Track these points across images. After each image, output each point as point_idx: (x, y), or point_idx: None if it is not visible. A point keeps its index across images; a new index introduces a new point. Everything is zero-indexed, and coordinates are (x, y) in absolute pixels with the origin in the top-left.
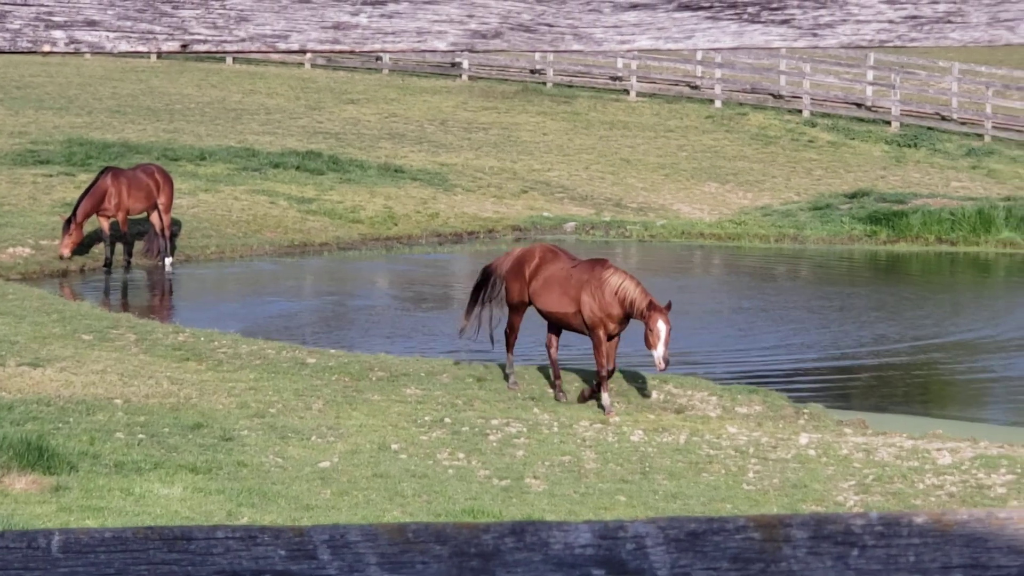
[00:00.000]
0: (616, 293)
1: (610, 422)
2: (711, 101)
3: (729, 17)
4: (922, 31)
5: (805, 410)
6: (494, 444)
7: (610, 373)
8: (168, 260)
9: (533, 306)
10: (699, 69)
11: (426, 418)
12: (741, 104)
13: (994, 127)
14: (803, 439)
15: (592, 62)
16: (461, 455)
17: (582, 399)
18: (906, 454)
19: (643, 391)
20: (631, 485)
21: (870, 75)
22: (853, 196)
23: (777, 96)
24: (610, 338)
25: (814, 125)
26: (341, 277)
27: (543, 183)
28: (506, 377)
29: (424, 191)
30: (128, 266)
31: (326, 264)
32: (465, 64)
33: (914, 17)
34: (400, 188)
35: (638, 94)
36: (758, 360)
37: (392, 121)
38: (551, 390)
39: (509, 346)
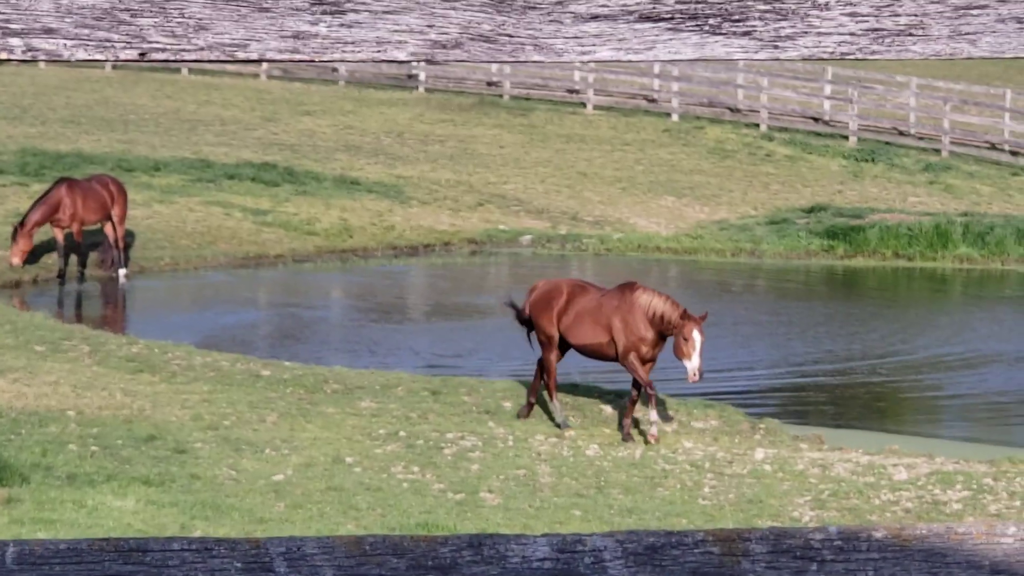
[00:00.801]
0: (646, 313)
1: (649, 442)
2: (668, 115)
3: (690, 29)
4: (883, 44)
5: (761, 425)
6: (449, 458)
7: (634, 403)
8: (122, 271)
9: (566, 341)
10: (656, 82)
11: (381, 431)
12: (698, 118)
13: (952, 142)
14: (759, 454)
15: (549, 75)
16: (416, 469)
17: (626, 435)
18: (862, 470)
19: (598, 404)
20: (586, 499)
21: (828, 89)
22: (810, 211)
23: (734, 110)
24: (646, 362)
25: (771, 139)
26: (296, 289)
27: (499, 196)
28: (558, 425)
29: (380, 203)
30: (82, 277)
31: (281, 276)
32: (422, 76)
33: (876, 30)
34: (356, 200)
35: (595, 107)
36: (714, 375)
37: (348, 133)
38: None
39: (550, 391)
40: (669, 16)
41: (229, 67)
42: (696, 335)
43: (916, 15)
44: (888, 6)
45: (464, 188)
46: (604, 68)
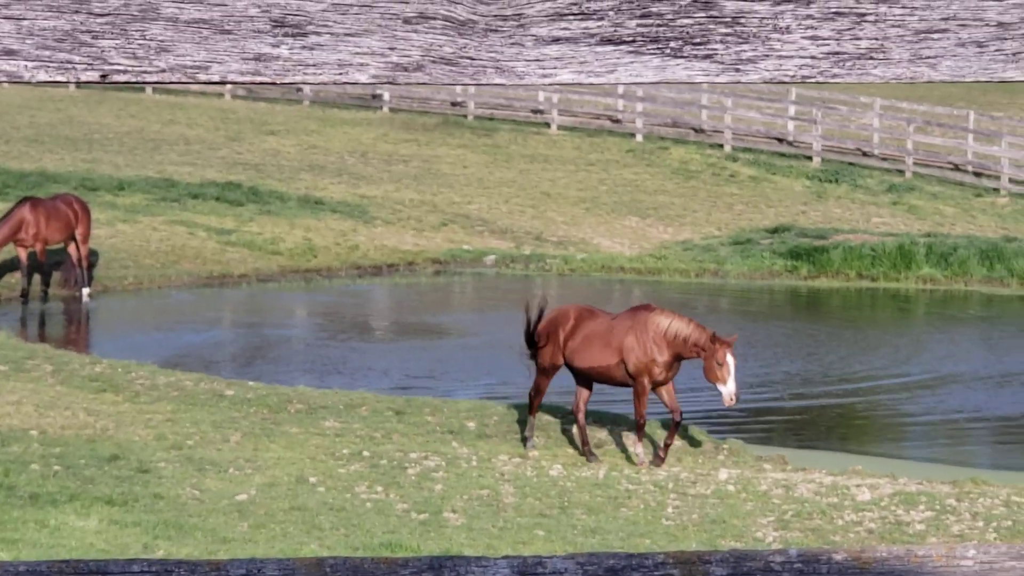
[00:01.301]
0: (665, 335)
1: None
2: (632, 135)
3: (651, 52)
4: (844, 67)
5: (724, 445)
6: (412, 478)
7: (677, 425)
8: (86, 291)
9: (569, 367)
10: (620, 103)
11: (344, 451)
12: (662, 138)
13: (915, 163)
14: (722, 474)
15: (513, 95)
16: (379, 488)
17: (659, 461)
18: (825, 490)
19: (561, 424)
20: (550, 519)
21: (792, 110)
22: (774, 231)
23: (699, 130)
24: (659, 385)
25: (735, 159)
26: (260, 309)
27: (463, 216)
28: (523, 440)
29: (344, 223)
30: (45, 296)
31: (245, 296)
32: (386, 96)
33: (836, 53)
34: (320, 220)
35: (559, 127)
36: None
37: (312, 153)
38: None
39: (532, 409)
40: (631, 39)
41: (193, 87)
42: (730, 359)
43: (877, 39)
44: (849, 30)
45: (428, 208)
46: (568, 89)
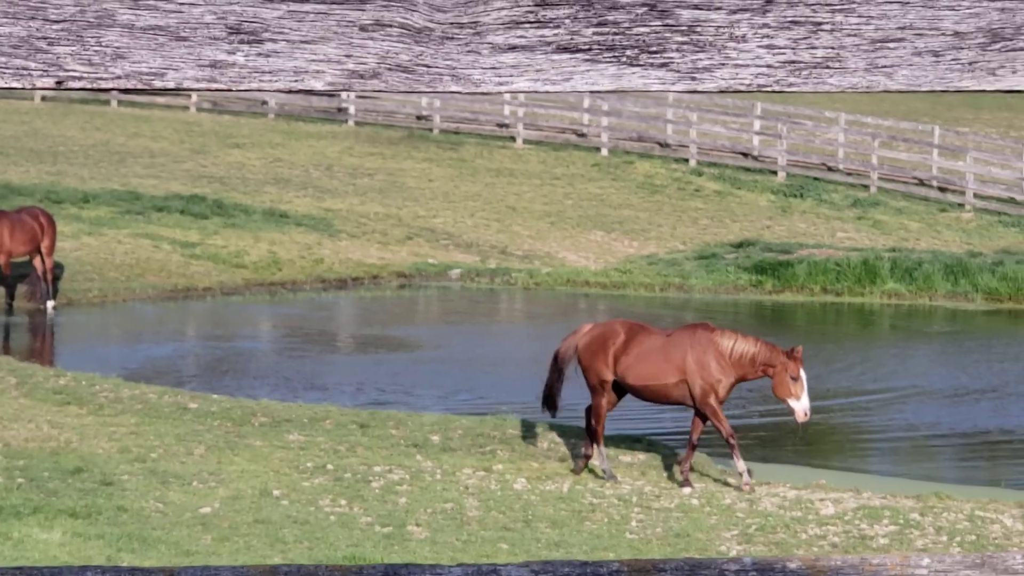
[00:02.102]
0: (730, 356)
1: (744, 490)
2: (598, 149)
3: (608, 60)
4: (800, 76)
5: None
6: (376, 491)
7: (694, 448)
8: (50, 303)
9: (623, 384)
10: (586, 117)
11: (308, 464)
12: (628, 152)
13: (880, 178)
14: (686, 488)
15: (479, 109)
16: (343, 502)
17: (685, 480)
18: (789, 504)
19: (526, 438)
20: (514, 533)
21: (757, 124)
22: (739, 246)
23: (664, 145)
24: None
25: (700, 174)
26: (224, 322)
27: (428, 230)
28: (604, 473)
29: (309, 236)
30: (9, 309)
31: (209, 309)
32: (351, 110)
33: (792, 62)
34: (285, 233)
35: (525, 141)
36: (643, 408)
37: (277, 166)
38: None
39: (598, 437)
40: (587, 47)
41: (159, 99)
42: (803, 374)
43: (833, 48)
44: (805, 39)
45: (393, 221)
46: (534, 102)
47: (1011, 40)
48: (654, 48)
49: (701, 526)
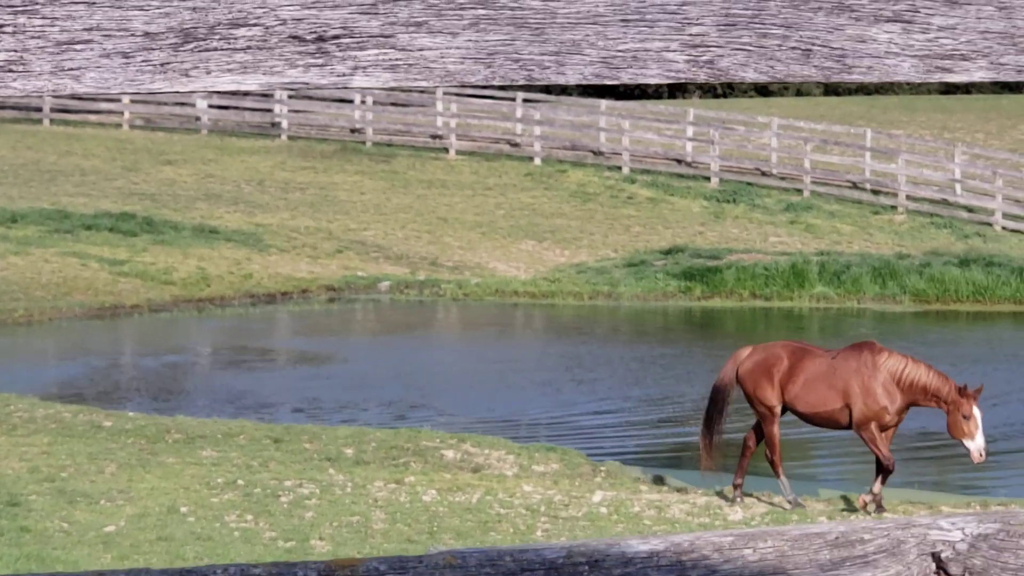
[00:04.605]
0: (899, 381)
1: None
2: (531, 158)
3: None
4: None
5: (602, 468)
6: (285, 506)
7: (888, 473)
8: None
9: (792, 411)
10: (519, 127)
11: (219, 480)
12: (561, 161)
13: (813, 182)
14: (596, 497)
15: (412, 121)
16: (249, 517)
17: (869, 505)
18: (698, 511)
19: (439, 450)
20: (416, 545)
21: (690, 131)
22: (668, 252)
23: (597, 153)
24: (884, 429)
25: (633, 181)
26: (149, 340)
27: (359, 243)
28: (789, 503)
29: (238, 252)
30: None
31: (136, 326)
32: (284, 124)
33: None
34: (214, 249)
35: (458, 152)
36: (562, 417)
37: (209, 182)
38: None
39: (776, 466)
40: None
41: (91, 117)
42: (978, 412)
43: (16, 50)
44: None
45: (323, 235)
46: (467, 113)
47: (204, 40)
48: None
49: (606, 534)
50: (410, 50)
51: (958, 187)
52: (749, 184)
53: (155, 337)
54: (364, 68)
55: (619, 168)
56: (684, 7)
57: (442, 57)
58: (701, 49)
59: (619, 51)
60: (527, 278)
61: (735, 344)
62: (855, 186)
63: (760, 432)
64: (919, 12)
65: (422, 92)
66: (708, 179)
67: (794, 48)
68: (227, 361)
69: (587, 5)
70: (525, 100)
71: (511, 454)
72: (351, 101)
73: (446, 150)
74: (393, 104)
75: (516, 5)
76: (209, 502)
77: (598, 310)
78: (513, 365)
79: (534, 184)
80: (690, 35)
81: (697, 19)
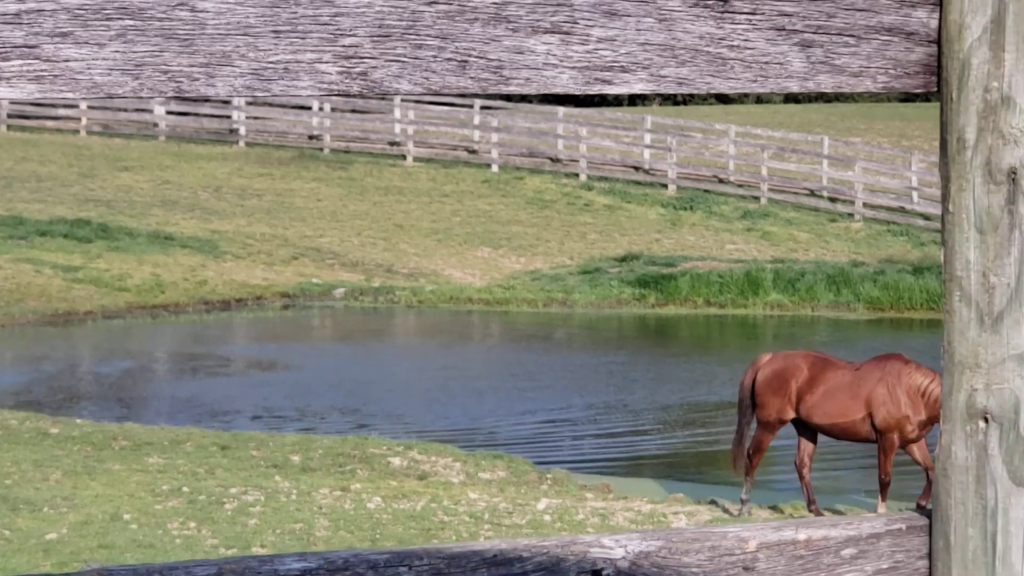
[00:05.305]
0: (923, 394)
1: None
2: (488, 165)
3: None
4: None
5: (548, 475)
6: (229, 513)
7: (885, 484)
8: None
9: (807, 423)
10: (477, 134)
11: (164, 487)
12: (519, 168)
13: (770, 189)
14: (541, 504)
15: (370, 127)
16: (192, 524)
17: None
18: (642, 518)
19: (386, 457)
20: None
21: (647, 138)
22: (623, 260)
23: (555, 160)
24: (911, 442)
25: (591, 189)
26: (102, 346)
27: (314, 249)
28: (742, 502)
29: (193, 258)
30: None
31: (89, 333)
32: (242, 131)
33: None
34: (169, 256)
35: (415, 159)
36: (511, 424)
37: (166, 188)
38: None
39: (751, 468)
40: None
41: (48, 123)
42: None
43: None
44: None
45: (279, 242)
46: (424, 120)
47: None
48: None
49: None
50: (55, 61)
51: (915, 195)
52: (706, 191)
53: (108, 344)
54: (8, 79)
55: (576, 175)
56: (337, 18)
57: (89, 68)
58: (355, 60)
59: (270, 62)
60: (482, 285)
61: (684, 351)
62: (812, 193)
63: (806, 457)
64: (578, 24)
65: (380, 99)
66: (665, 186)
67: (450, 59)
68: (180, 368)
69: (237, 16)
70: (483, 107)
71: (458, 461)
72: (309, 108)
73: (404, 157)
74: (352, 111)
75: (165, 16)
76: (153, 509)
77: (552, 317)
78: (465, 372)
79: (491, 191)
80: (343, 46)
81: (350, 30)
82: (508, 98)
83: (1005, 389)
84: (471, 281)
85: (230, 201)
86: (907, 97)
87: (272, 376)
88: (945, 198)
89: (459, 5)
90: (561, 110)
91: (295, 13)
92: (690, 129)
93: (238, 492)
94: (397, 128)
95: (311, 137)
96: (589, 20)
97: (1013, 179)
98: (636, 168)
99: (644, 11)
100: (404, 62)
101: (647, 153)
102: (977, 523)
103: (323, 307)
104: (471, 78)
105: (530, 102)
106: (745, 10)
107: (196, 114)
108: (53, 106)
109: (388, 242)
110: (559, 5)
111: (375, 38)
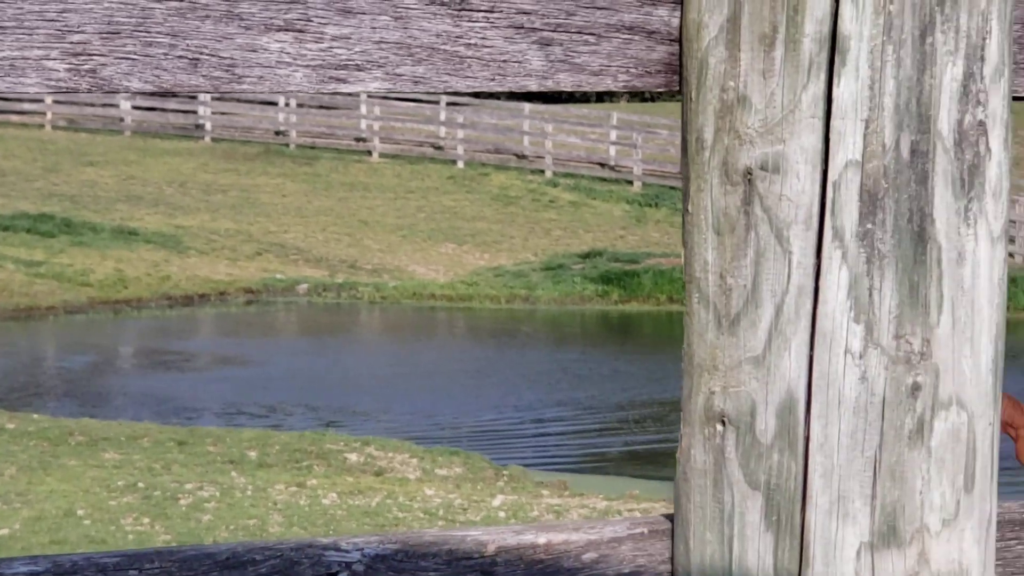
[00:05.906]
0: None
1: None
2: (454, 162)
3: None
4: None
5: (505, 472)
6: (183, 508)
7: None
8: None
9: None
10: (443, 130)
11: (119, 483)
12: (484, 164)
13: None
14: (497, 501)
15: (337, 123)
16: (146, 520)
17: None
18: (596, 515)
19: (343, 453)
20: None
21: (613, 135)
22: (587, 256)
23: (520, 156)
24: None
25: (556, 185)
26: (63, 341)
27: (278, 245)
28: None
29: (157, 254)
30: None
31: (51, 328)
32: (208, 126)
33: None
34: (133, 251)
35: (381, 155)
36: (470, 421)
37: (131, 183)
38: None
39: None
40: None
41: (13, 117)
42: None
43: None
44: None
45: (243, 237)
46: (390, 116)
47: None
48: None
49: None
50: None
51: None
52: (672, 188)
53: (70, 339)
54: None
55: (542, 171)
56: (65, 14)
57: None
58: (83, 58)
59: None
60: (445, 281)
61: (649, 348)
62: None
63: None
64: (312, 21)
65: (347, 96)
66: (631, 183)
67: (181, 57)
68: (142, 364)
69: None
70: (449, 103)
71: (415, 457)
72: (275, 103)
73: (369, 153)
74: (319, 107)
75: None
76: (107, 505)
77: (514, 313)
78: (426, 368)
79: (456, 187)
80: (71, 43)
81: (78, 27)
82: (476, 95)
83: (741, 392)
84: (435, 277)
85: (195, 196)
86: (649, 96)
87: (234, 371)
88: (685, 198)
89: (190, 3)
90: (527, 106)
91: (21, 9)
92: (656, 126)
93: (193, 488)
94: (363, 124)
95: (277, 133)
96: (323, 18)
97: (749, 180)
98: (602, 165)
99: (379, 9)
100: (134, 60)
101: (613, 150)
102: (715, 527)
103: (287, 303)
104: (203, 76)
105: (497, 98)
106: (483, 8)
107: (162, 109)
108: (19, 100)
109: (352, 238)
110: (292, 3)
111: (104, 35)
